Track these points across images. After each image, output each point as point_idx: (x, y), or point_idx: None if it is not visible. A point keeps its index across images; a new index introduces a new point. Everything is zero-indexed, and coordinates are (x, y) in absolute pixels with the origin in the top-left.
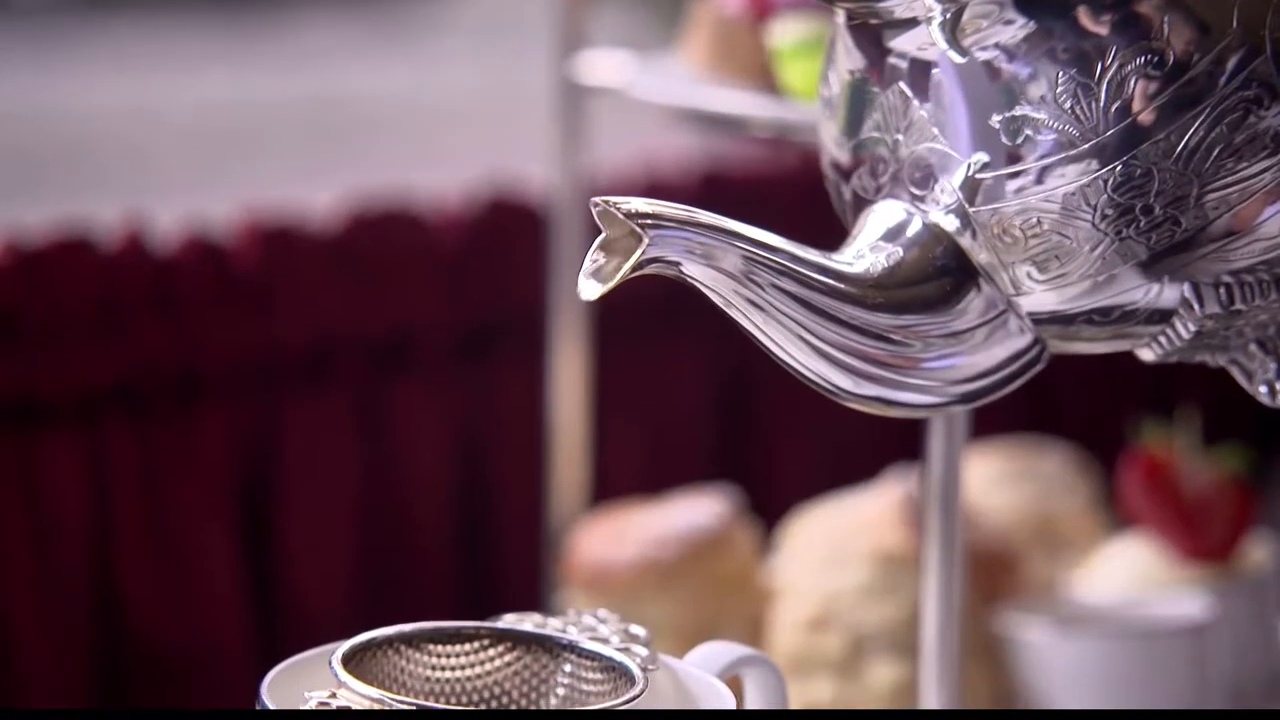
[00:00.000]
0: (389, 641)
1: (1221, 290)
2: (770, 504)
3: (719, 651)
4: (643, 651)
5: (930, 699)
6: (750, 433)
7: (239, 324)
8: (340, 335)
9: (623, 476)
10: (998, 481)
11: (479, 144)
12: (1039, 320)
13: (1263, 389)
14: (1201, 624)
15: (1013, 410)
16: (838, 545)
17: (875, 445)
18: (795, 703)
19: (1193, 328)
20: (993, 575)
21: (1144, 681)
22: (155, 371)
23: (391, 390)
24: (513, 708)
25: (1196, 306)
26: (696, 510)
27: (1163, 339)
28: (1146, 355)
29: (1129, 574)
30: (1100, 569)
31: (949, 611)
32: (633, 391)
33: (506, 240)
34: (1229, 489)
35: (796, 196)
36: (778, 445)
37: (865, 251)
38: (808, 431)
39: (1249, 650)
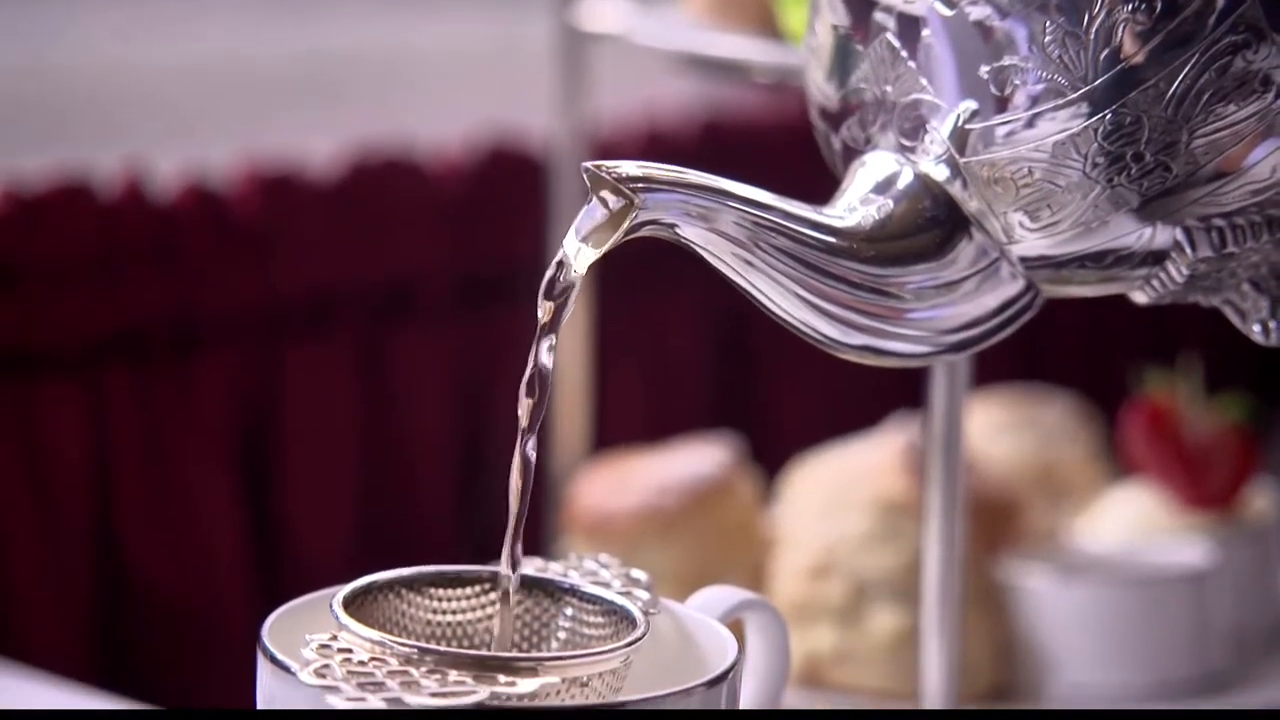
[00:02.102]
0: (390, 585)
1: (1214, 233)
2: (772, 452)
3: (721, 596)
4: (644, 595)
5: (931, 646)
6: (752, 380)
7: (239, 272)
8: (340, 284)
9: (624, 424)
10: (1000, 430)
11: (479, 92)
12: (1031, 265)
13: (1256, 328)
14: (1203, 571)
15: (1014, 359)
16: (839, 493)
17: (877, 393)
18: (797, 650)
19: (1186, 271)
20: (994, 523)
21: (1145, 628)
22: (155, 320)
23: (392, 338)
24: (514, 652)
25: (1189, 250)
26: (698, 458)
27: (1156, 282)
28: (1140, 298)
29: (1130, 522)
30: (1102, 517)
31: (950, 559)
32: (634, 339)
33: (507, 189)
34: (1231, 437)
35: (797, 143)
36: (779, 393)
37: (856, 205)
38: (809, 379)
39: (1250, 598)
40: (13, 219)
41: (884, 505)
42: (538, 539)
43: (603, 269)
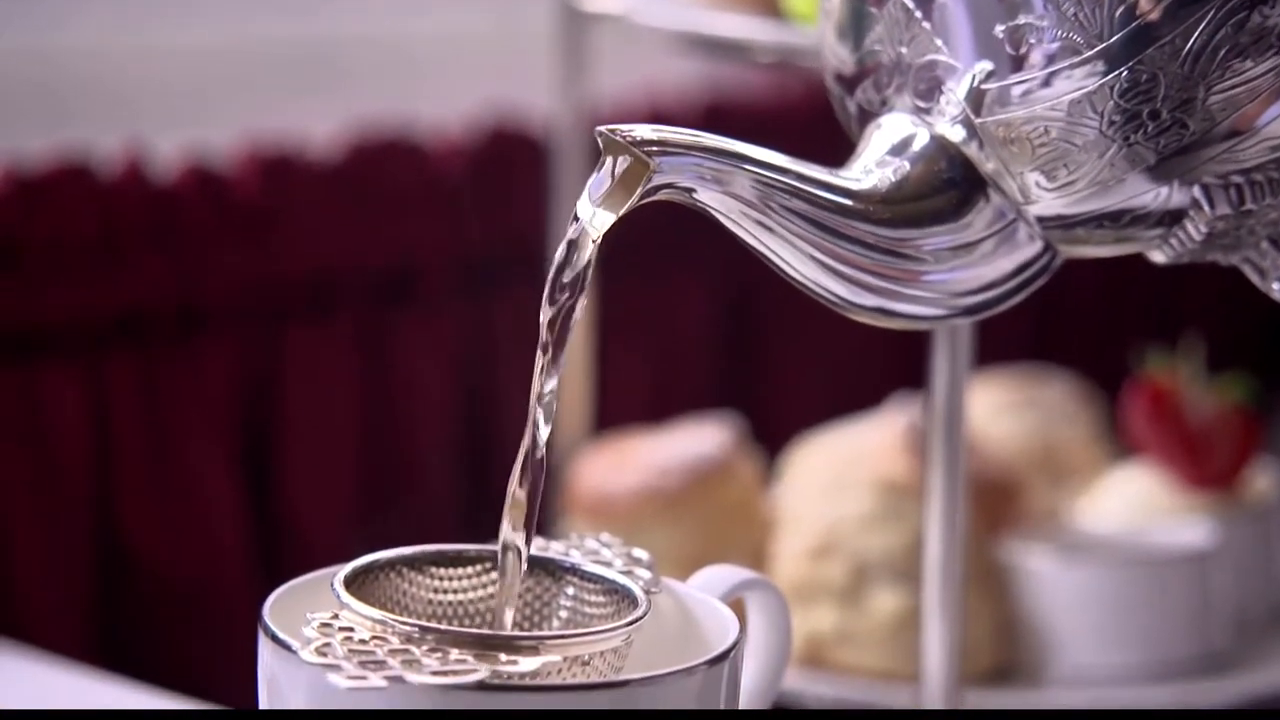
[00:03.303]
0: (391, 564)
1: (1232, 190)
2: (773, 432)
3: (722, 575)
4: (646, 575)
5: (932, 627)
6: (753, 361)
7: (240, 254)
8: (342, 265)
9: (625, 405)
10: (1001, 410)
11: (480, 73)
12: (1048, 226)
13: (1276, 286)
14: (1204, 552)
15: (1016, 339)
16: (840, 473)
17: (878, 373)
18: (798, 631)
19: (1204, 229)
20: (995, 504)
21: (1146, 609)
22: (156, 301)
23: (393, 320)
24: (515, 630)
25: (1207, 208)
26: (699, 439)
27: (1174, 241)
28: (1158, 257)
29: (1132, 502)
30: (1103, 497)
31: (952, 540)
32: (635, 320)
33: (508, 169)
34: (1233, 417)
35: (800, 124)
36: (781, 373)
37: (872, 167)
38: (811, 359)
39: (1252, 578)
40: (13, 199)
41: (885, 486)
42: (539, 519)
43: (604, 247)
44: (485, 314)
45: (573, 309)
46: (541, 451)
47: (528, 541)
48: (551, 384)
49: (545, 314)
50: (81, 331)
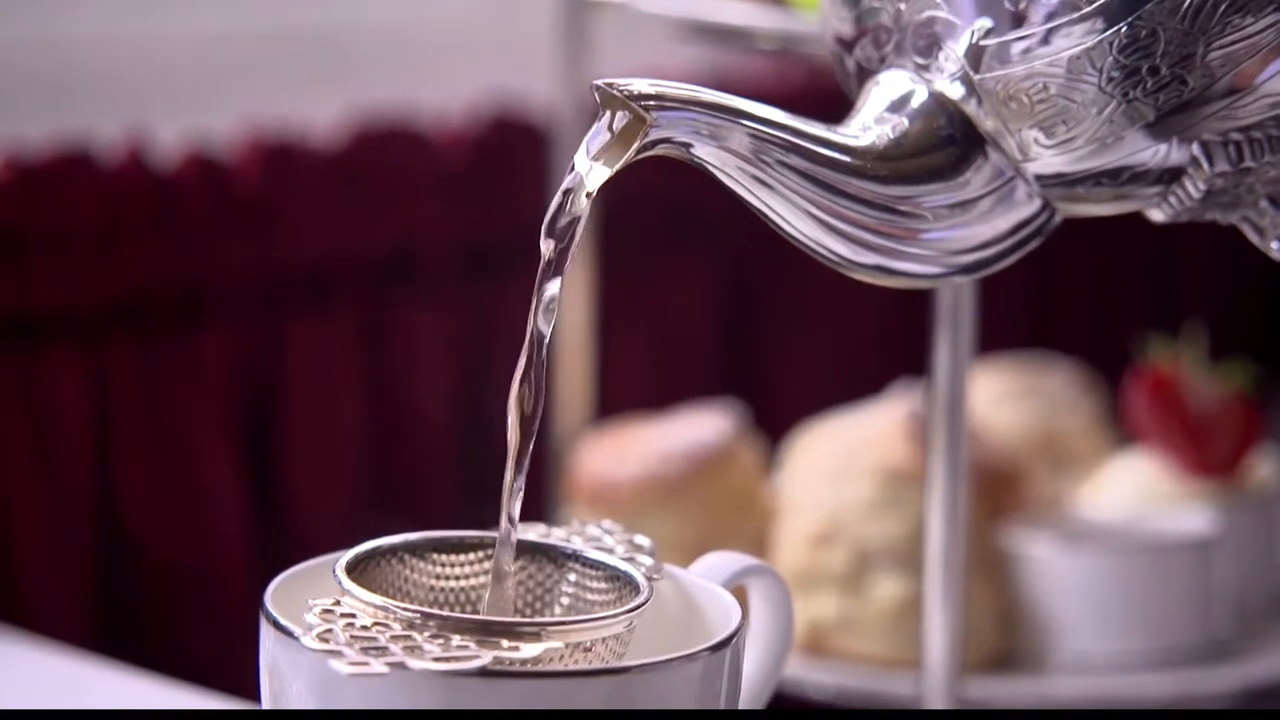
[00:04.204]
0: (393, 550)
1: (1231, 148)
2: (775, 419)
3: (724, 562)
4: (648, 561)
5: (934, 614)
6: (755, 348)
7: (241, 241)
8: (343, 252)
9: (627, 393)
10: (1003, 398)
11: (481, 60)
12: (1046, 184)
13: (1275, 245)
14: (1206, 539)
15: (1018, 327)
16: (843, 461)
17: (880, 361)
18: (799, 618)
19: (1203, 186)
20: (997, 491)
21: (1148, 596)
22: (157, 289)
23: (395, 307)
24: (517, 617)
25: (1206, 165)
26: (701, 426)
27: (1173, 199)
28: (1157, 216)
29: (1134, 490)
30: (1105, 485)
31: (954, 527)
32: (636, 307)
33: (510, 157)
34: (1235, 405)
35: (801, 110)
36: (783, 361)
37: (870, 124)
38: (813, 347)
39: (1253, 566)
40: (14, 187)
41: (887, 473)
42: (540, 507)
43: (606, 234)
44: (487, 301)
45: (570, 243)
46: (544, 356)
47: (522, 452)
48: (552, 289)
49: (544, 246)
50: (82, 319)
